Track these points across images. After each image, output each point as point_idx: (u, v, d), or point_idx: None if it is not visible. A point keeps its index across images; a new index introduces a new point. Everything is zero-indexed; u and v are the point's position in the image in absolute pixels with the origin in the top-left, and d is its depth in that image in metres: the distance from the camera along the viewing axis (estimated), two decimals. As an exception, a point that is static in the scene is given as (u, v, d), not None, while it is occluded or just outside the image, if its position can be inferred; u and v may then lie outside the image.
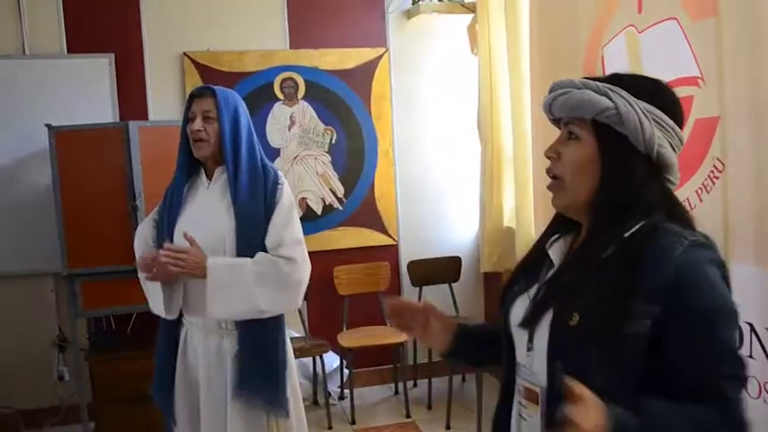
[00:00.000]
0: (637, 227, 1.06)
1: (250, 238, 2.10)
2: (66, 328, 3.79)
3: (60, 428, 3.82)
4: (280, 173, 2.22)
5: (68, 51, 3.84)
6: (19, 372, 3.80)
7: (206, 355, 2.15)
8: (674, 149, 1.11)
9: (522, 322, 1.13)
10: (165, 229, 2.20)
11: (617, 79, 1.13)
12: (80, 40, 3.85)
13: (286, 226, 2.14)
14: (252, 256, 2.10)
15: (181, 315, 2.21)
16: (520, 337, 1.17)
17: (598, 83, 1.11)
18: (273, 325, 2.16)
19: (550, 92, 1.15)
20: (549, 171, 1.16)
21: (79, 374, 3.48)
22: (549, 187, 1.16)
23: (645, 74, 1.21)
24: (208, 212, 2.16)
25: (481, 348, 1.35)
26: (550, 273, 1.16)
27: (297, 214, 2.22)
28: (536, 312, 1.11)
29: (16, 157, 3.73)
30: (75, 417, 3.66)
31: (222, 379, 2.13)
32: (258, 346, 2.10)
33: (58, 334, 3.81)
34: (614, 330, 1.00)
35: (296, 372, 2.30)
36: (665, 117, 1.09)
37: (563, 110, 1.12)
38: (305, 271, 2.18)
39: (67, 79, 3.79)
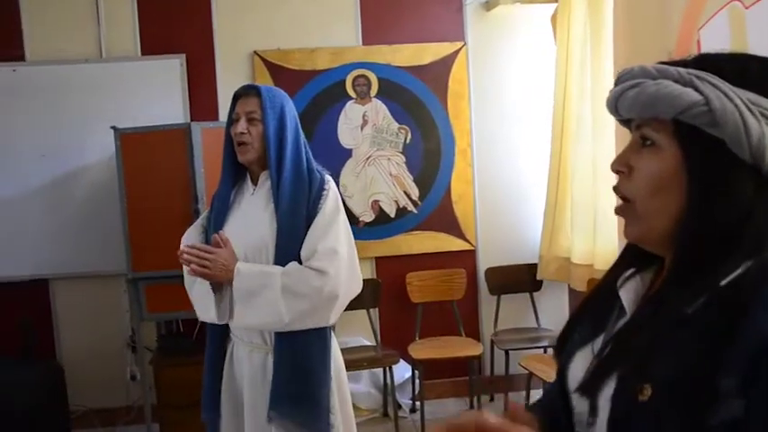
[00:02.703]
0: (739, 270, 0.76)
1: (290, 248, 1.94)
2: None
3: (132, 428, 3.85)
4: (328, 177, 2.04)
5: (142, 53, 3.86)
6: (95, 370, 3.87)
7: (250, 372, 2.01)
8: None
9: (580, 387, 0.86)
10: (210, 236, 2.08)
11: (707, 62, 0.82)
12: (153, 41, 3.86)
13: (323, 236, 1.95)
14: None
15: (228, 329, 2.10)
16: (580, 404, 0.90)
17: (680, 69, 0.81)
18: (316, 338, 1.98)
19: (616, 84, 0.87)
20: (616, 190, 0.88)
21: (144, 377, 3.48)
22: (618, 212, 0.88)
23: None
24: (251, 220, 2.02)
25: None
26: (621, 321, 0.89)
27: (342, 223, 2.01)
28: (598, 377, 0.83)
29: (95, 159, 3.79)
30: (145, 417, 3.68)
31: (266, 397, 1.98)
32: (296, 361, 1.94)
33: (131, 335, 3.84)
34: (697, 414, 0.72)
35: (347, 387, 2.13)
36: None
37: (633, 108, 0.83)
38: (340, 285, 1.94)
39: (141, 81, 3.81)
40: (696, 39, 1.91)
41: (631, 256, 0.93)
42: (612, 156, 2.90)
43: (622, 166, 0.87)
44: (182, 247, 2.15)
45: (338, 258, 1.94)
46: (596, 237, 3.20)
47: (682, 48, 1.97)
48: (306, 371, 1.94)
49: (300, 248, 1.94)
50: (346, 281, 1.96)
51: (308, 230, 1.95)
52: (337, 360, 2.07)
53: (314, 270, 1.91)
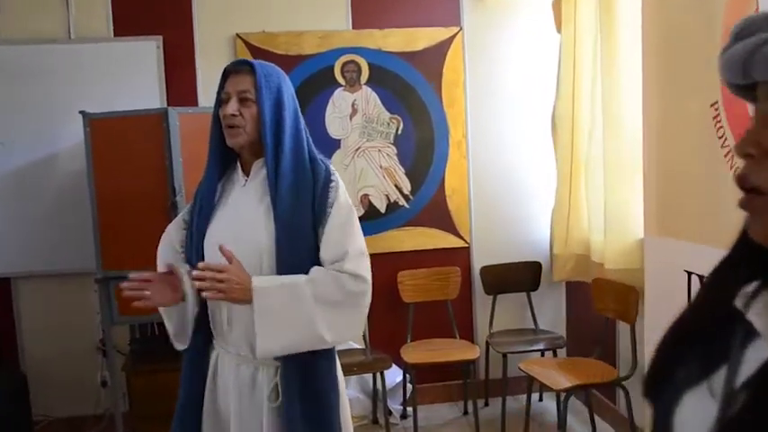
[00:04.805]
0: None
1: (294, 249, 1.69)
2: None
3: (102, 438, 3.59)
4: (332, 168, 1.80)
5: (115, 34, 3.57)
6: (61, 377, 3.59)
7: (237, 389, 1.77)
8: None
9: None
10: (193, 235, 1.82)
11: None
12: (127, 22, 3.57)
13: (348, 234, 1.72)
14: (296, 272, 1.69)
15: (212, 338, 1.85)
16: None
17: None
18: (325, 354, 1.76)
19: (737, 38, 0.65)
20: (743, 179, 0.66)
21: (115, 384, 3.21)
22: (745, 205, 0.66)
23: None
24: (243, 216, 1.77)
25: None
26: (752, 352, 0.67)
27: (357, 219, 1.80)
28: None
29: (63, 147, 3.51)
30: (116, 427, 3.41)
31: (256, 418, 1.74)
32: (309, 384, 1.71)
33: (101, 338, 3.56)
34: None
35: (347, 399, 1.91)
36: None
37: None
38: (370, 290, 1.77)
39: (113, 64, 3.53)
40: (754, 8, 1.70)
41: (752, 266, 0.69)
42: (632, 149, 2.73)
43: (755, 147, 0.64)
44: (159, 250, 1.92)
45: (368, 260, 1.74)
46: (613, 234, 3.01)
47: (732, 20, 1.76)
48: (319, 393, 1.72)
49: (305, 247, 1.70)
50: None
51: (314, 227, 1.72)
52: (340, 374, 1.84)
53: (349, 274, 1.69)
